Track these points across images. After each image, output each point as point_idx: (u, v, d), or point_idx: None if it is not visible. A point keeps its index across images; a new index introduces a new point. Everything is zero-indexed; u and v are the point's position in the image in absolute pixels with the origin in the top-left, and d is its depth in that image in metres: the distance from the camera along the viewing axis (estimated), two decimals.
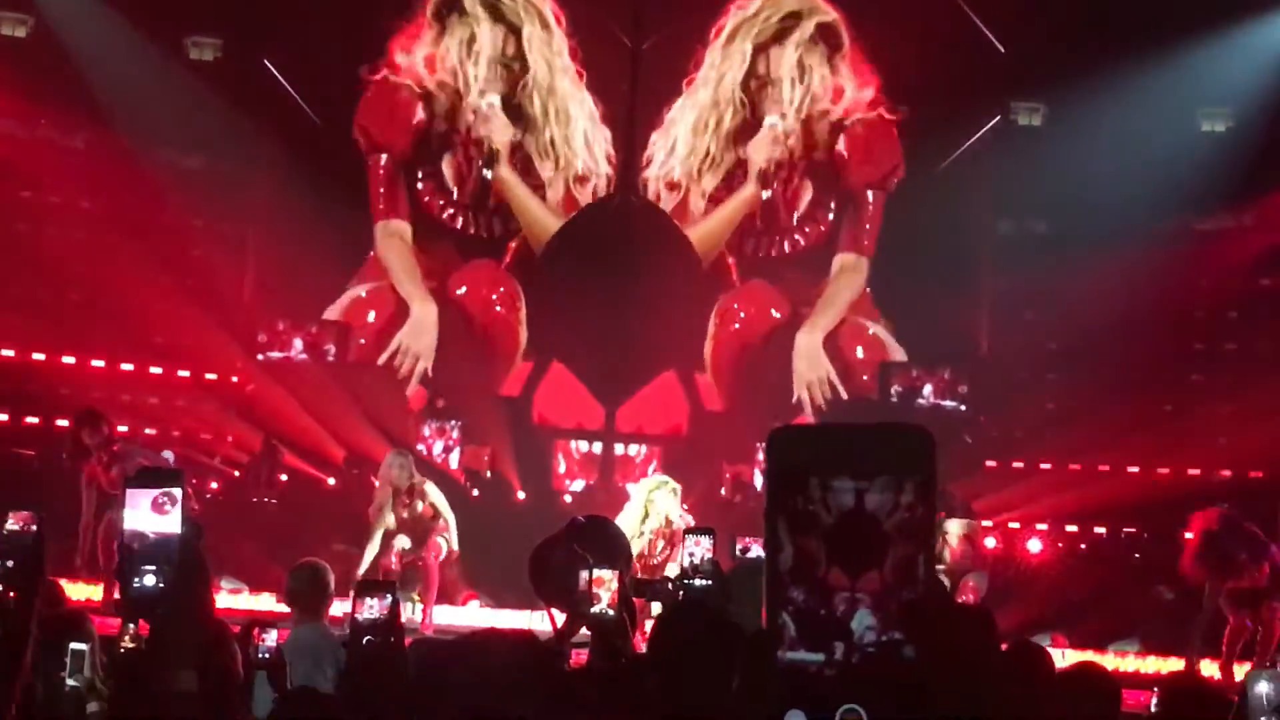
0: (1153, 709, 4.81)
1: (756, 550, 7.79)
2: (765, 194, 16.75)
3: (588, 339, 16.04)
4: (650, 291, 15.62)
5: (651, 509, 11.68)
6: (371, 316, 16.59)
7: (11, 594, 4.18)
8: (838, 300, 16.70)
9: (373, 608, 5.08)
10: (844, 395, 16.31)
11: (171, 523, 4.41)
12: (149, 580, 4.39)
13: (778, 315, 16.73)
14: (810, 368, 16.48)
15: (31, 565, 4.21)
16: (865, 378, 16.47)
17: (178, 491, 4.44)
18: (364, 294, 16.64)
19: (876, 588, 2.36)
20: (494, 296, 16.70)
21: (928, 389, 16.04)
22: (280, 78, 16.03)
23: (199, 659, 4.72)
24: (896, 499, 2.38)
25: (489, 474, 15.73)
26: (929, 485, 2.42)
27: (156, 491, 4.43)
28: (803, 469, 2.44)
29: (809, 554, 2.40)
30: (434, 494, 12.62)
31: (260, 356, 15.92)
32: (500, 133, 16.53)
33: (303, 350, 15.96)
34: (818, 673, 2.36)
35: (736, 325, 16.77)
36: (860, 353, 16.66)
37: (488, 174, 16.56)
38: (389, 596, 5.15)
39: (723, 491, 15.46)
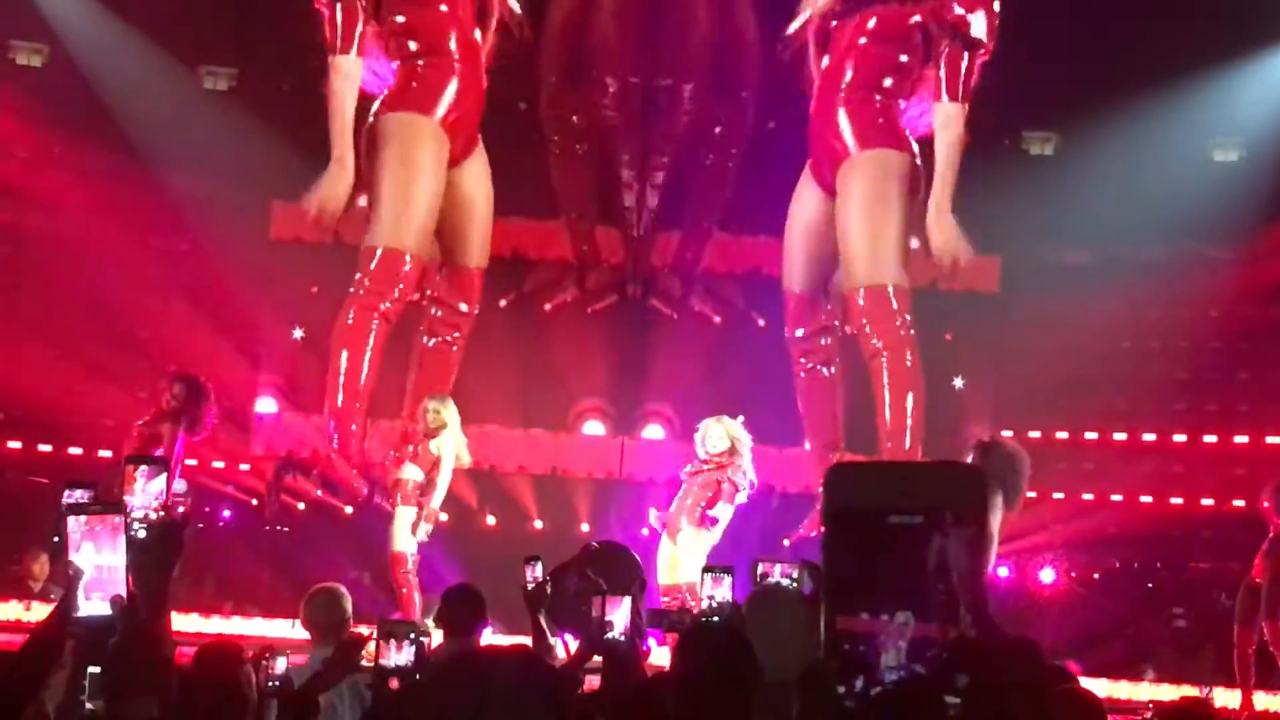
0: None
1: (776, 576, 7.65)
2: None
3: None
4: None
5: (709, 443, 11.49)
6: None
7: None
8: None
9: (398, 653, 4.91)
10: None
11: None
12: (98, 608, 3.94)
13: None
14: None
15: None
16: None
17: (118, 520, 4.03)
18: None
19: (913, 622, 2.38)
20: None
21: None
22: None
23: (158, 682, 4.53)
24: (944, 534, 2.41)
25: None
26: (977, 522, 2.43)
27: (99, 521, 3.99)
28: (856, 505, 2.46)
29: (852, 588, 2.44)
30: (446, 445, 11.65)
31: None
32: None
33: None
34: (840, 702, 2.44)
35: None
36: None
37: None
38: (415, 640, 5.00)
39: None
